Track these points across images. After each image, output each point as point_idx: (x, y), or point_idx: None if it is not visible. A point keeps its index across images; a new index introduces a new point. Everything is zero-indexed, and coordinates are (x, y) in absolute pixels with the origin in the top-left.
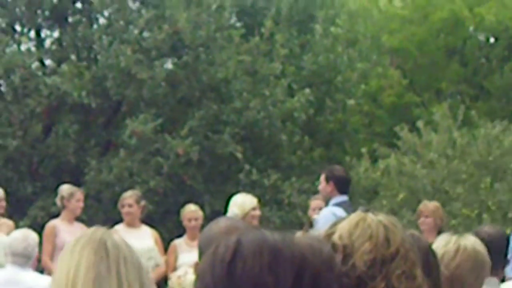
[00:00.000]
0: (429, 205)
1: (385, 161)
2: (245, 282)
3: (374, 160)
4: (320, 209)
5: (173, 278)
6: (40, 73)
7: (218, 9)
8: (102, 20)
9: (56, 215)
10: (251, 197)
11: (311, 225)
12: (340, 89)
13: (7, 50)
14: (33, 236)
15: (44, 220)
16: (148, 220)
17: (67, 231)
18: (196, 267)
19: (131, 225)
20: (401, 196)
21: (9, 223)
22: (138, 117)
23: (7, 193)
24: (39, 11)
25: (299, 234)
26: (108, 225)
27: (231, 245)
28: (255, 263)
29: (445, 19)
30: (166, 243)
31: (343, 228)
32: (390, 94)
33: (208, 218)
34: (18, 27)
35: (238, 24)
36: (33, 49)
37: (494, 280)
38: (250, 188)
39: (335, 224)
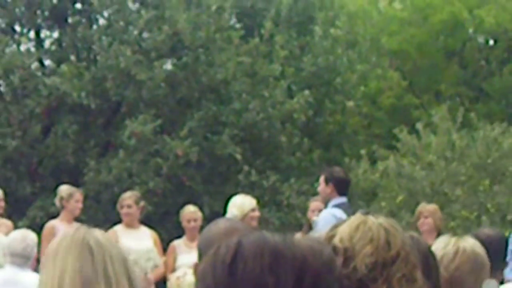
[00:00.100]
0: (427, 206)
1: (384, 162)
2: (246, 283)
3: (373, 161)
4: (319, 210)
5: (172, 279)
6: (39, 73)
7: (218, 10)
8: (101, 21)
9: (55, 216)
10: (250, 198)
11: (310, 226)
12: (340, 91)
13: (7, 50)
14: (32, 236)
15: (43, 220)
16: (147, 221)
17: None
18: (196, 268)
19: (130, 226)
20: (400, 198)
21: (8, 223)
22: (138, 118)
23: (6, 193)
24: (38, 12)
25: (299, 235)
26: (107, 226)
27: (232, 246)
28: (256, 264)
29: (445, 21)
30: (165, 244)
31: (343, 231)
32: (389, 96)
33: (207, 219)
34: (17, 28)
35: (238, 25)
36: (32, 49)
37: (493, 282)
38: (249, 189)
39: (335, 227)
